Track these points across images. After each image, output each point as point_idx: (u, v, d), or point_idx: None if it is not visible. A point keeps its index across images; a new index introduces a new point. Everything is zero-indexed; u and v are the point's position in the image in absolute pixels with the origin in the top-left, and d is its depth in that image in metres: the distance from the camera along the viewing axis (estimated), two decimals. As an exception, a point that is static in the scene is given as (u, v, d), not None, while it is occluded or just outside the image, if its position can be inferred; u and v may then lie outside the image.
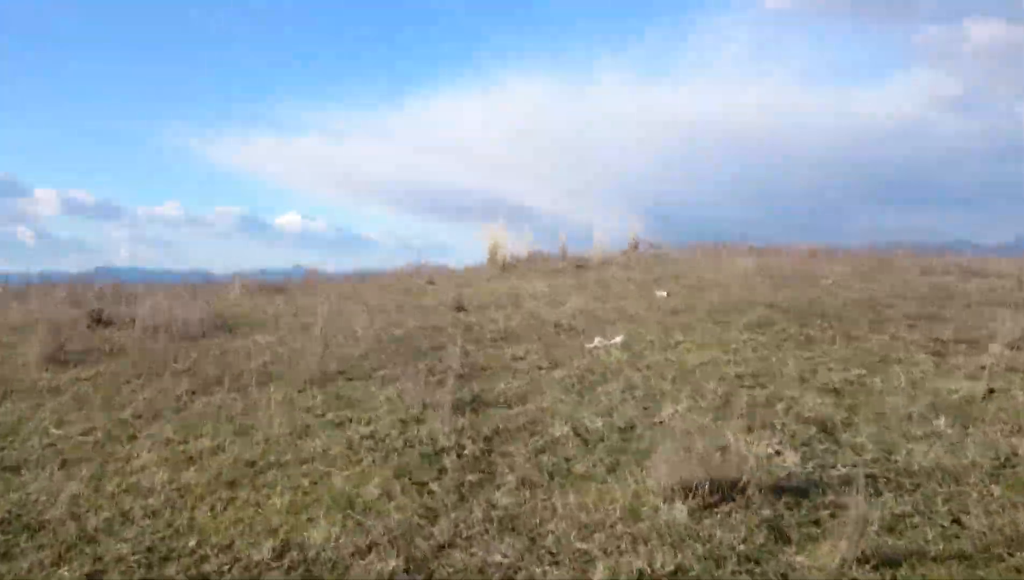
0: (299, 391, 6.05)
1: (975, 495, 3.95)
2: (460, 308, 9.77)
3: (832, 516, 3.73)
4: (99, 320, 9.54)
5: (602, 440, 4.73)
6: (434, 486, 4.20)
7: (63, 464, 4.70)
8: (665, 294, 10.54)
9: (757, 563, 3.38)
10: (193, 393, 6.12)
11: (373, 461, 4.53)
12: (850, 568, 3.30)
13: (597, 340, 7.48)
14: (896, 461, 4.38)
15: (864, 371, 6.04)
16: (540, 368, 6.49)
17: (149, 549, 3.71)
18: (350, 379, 6.41)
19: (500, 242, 15.99)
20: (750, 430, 4.77)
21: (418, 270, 15.78)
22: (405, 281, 13.48)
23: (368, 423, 5.16)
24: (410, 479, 4.28)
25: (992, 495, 3.95)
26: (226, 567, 3.52)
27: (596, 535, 3.62)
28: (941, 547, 3.48)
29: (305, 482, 4.34)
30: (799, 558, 3.41)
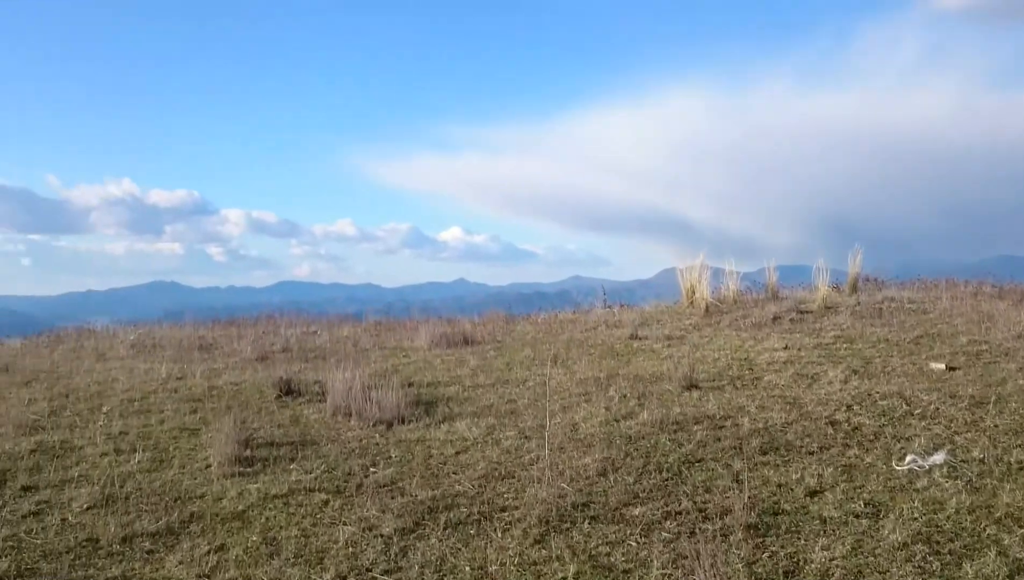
0: (535, 542, 4.63)
1: None
2: (692, 385, 8.11)
3: None
4: (288, 390, 8.75)
5: None
6: None
7: None
8: (944, 367, 8.38)
9: None
10: (403, 533, 4.86)
11: None
12: None
13: (909, 459, 5.59)
14: None
15: None
16: (857, 516, 4.73)
17: None
18: (595, 519, 4.93)
19: (700, 278, 14.16)
20: None
21: (610, 313, 14.27)
22: (603, 334, 11.95)
23: (655, 628, 3.64)
24: None
25: None
26: None
27: None
28: None
29: None
30: None
